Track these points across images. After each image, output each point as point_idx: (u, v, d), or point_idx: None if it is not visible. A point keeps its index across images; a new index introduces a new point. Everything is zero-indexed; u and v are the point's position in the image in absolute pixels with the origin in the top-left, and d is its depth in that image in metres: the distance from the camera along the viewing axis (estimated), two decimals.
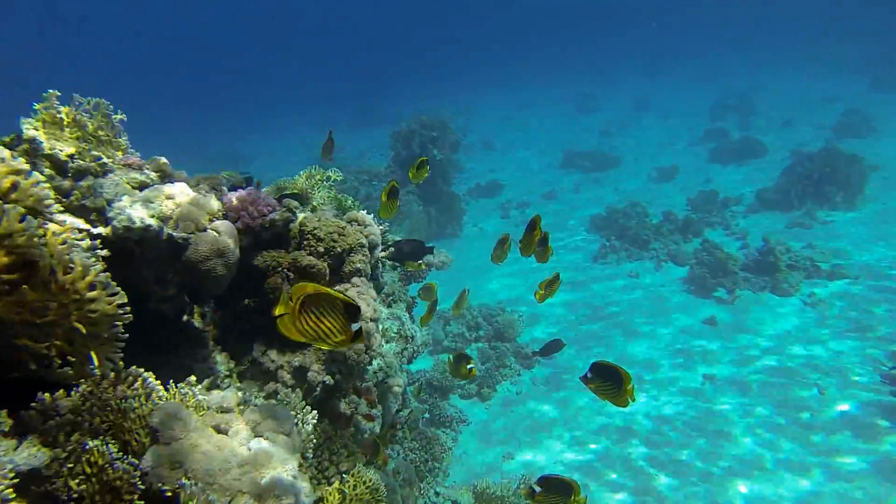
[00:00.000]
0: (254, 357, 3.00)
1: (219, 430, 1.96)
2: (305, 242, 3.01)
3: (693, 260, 10.14)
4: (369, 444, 4.10)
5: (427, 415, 7.02)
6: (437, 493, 5.07)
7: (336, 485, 2.85)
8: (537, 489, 2.50)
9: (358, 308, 1.72)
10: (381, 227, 3.65)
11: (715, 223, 11.75)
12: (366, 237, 3.20)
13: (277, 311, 1.89)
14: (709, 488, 5.35)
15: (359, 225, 3.31)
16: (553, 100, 30.02)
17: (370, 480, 2.90)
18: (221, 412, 2.02)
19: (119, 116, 2.61)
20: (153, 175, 2.44)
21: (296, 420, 2.44)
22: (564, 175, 17.85)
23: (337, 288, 3.06)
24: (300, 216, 3.08)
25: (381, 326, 3.45)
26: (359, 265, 3.07)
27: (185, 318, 2.71)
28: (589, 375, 2.63)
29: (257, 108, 37.51)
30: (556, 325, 9.19)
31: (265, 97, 40.61)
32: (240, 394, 2.16)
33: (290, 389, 2.89)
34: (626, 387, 2.58)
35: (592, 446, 6.18)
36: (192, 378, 2.43)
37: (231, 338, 3.07)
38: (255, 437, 2.01)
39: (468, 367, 3.85)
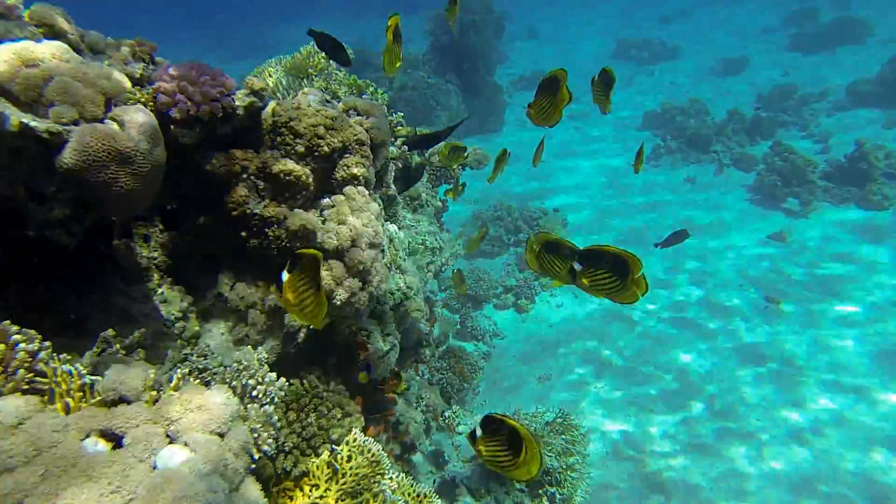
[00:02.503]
0: (219, 291, 2.29)
1: (107, 437, 1.27)
2: (279, 140, 2.19)
3: (762, 165, 8.90)
4: (389, 379, 3.51)
5: (458, 326, 6.46)
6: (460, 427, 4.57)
7: (325, 456, 2.24)
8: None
9: None
10: (393, 118, 2.76)
11: (789, 123, 10.25)
12: (366, 131, 2.34)
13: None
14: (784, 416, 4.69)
15: (358, 115, 2.44)
16: None
17: (369, 450, 2.27)
18: (112, 404, 1.33)
19: None
20: (33, 29, 1.61)
21: (253, 391, 1.75)
22: (616, 66, 16.02)
23: (324, 201, 2.26)
24: (272, 104, 2.22)
25: (387, 251, 2.68)
26: (355, 170, 2.25)
27: (115, 243, 1.99)
28: (578, 267, 1.79)
29: None
30: (600, 233, 8.30)
31: None
32: (151, 372, 1.45)
33: (261, 335, 2.21)
34: (634, 275, 1.73)
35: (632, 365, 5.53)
36: (110, 332, 1.74)
37: (192, 267, 2.35)
38: (171, 444, 1.32)
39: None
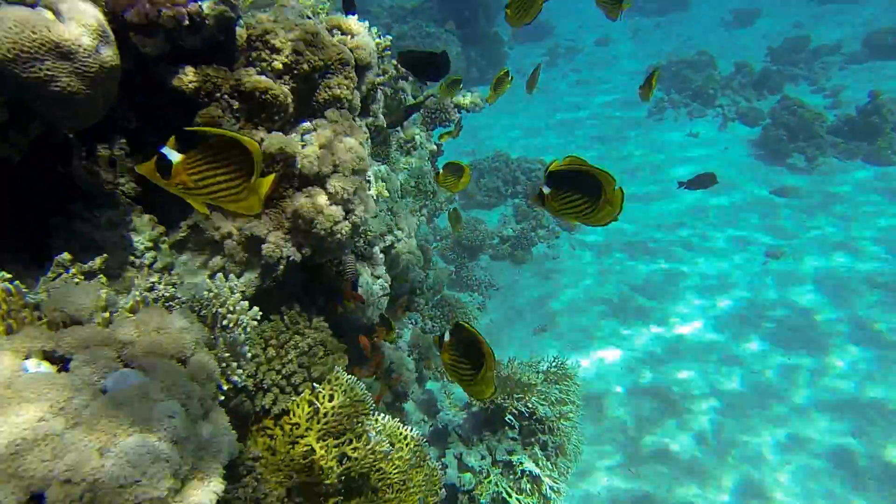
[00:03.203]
0: (195, 222, 2.15)
1: (51, 359, 1.15)
2: (254, 55, 2.00)
3: (768, 120, 8.65)
4: (380, 324, 3.41)
5: (454, 275, 6.36)
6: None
7: (306, 395, 2.14)
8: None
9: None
10: (380, 41, 2.56)
11: (799, 77, 9.94)
12: (351, 51, 2.15)
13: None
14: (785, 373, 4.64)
15: (343, 34, 2.24)
16: None
17: (352, 389, 2.17)
18: (61, 326, 1.20)
19: None
20: None
21: (223, 320, 1.63)
22: (621, 17, 15.48)
23: (304, 124, 2.09)
24: (247, 16, 2.02)
25: (374, 181, 2.53)
26: (338, 91, 2.07)
27: (76, 164, 1.83)
28: (547, 189, 1.61)
29: None
30: None
31: None
32: (103, 292, 1.32)
33: (239, 268, 2.08)
34: (608, 194, 1.57)
35: (629, 326, 5.47)
36: (65, 256, 1.61)
37: (166, 195, 2.20)
38: (125, 367, 1.20)
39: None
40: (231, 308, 1.65)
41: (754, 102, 9.63)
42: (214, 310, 1.67)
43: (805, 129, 7.63)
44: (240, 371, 1.53)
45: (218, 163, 1.18)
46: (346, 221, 2.03)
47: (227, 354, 1.52)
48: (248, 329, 1.64)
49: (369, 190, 2.27)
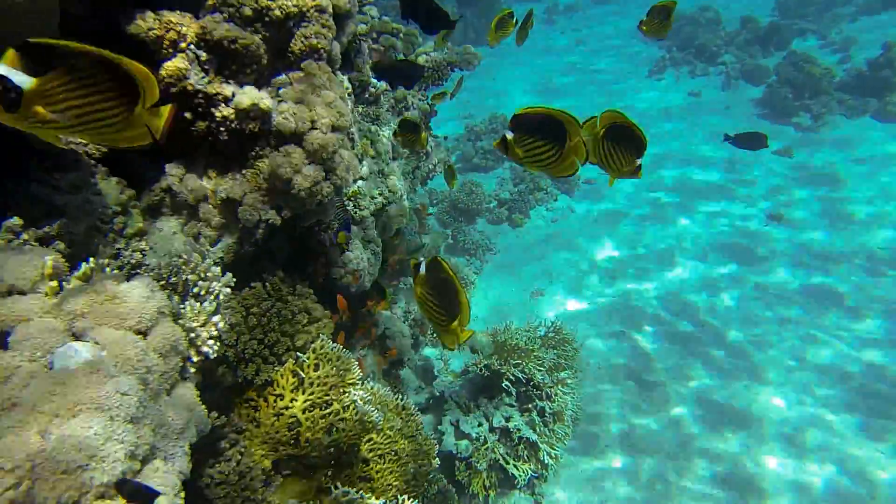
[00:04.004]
0: (168, 185, 2.02)
1: None
2: (221, 1, 1.83)
3: (773, 77, 8.39)
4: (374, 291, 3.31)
5: (450, 240, 6.25)
6: None
7: (289, 364, 2.05)
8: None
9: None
10: None
11: (808, 31, 9.59)
12: None
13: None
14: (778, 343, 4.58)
15: None
16: None
17: (337, 358, 2.08)
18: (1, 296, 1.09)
19: None
20: None
21: (194, 287, 1.52)
22: None
23: (279, 77, 1.94)
24: None
25: (357, 140, 2.38)
26: (314, 41, 1.91)
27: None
28: (510, 135, 1.49)
29: None
30: None
31: None
32: (49, 258, 1.20)
33: (216, 232, 1.95)
34: (572, 141, 1.46)
35: (630, 286, 5.38)
36: (16, 220, 1.48)
37: (136, 157, 2.06)
38: (75, 341, 1.09)
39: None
40: (202, 275, 1.53)
41: (759, 59, 9.33)
42: (185, 277, 1.55)
43: (812, 86, 7.40)
44: (211, 342, 1.42)
45: (87, 88, 0.96)
46: (328, 182, 1.90)
47: (196, 324, 1.41)
48: (221, 296, 1.53)
49: (353, 148, 2.13)
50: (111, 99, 0.97)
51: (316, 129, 1.86)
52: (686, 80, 9.61)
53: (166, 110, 1.07)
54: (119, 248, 1.69)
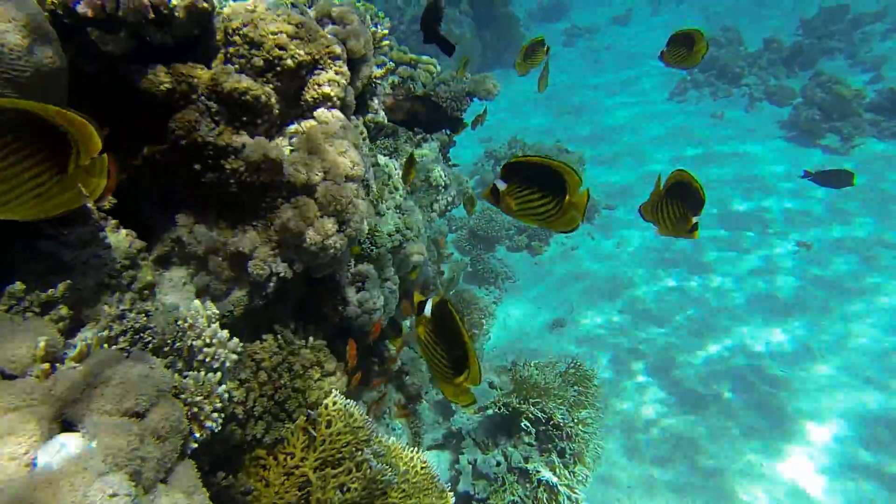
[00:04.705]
0: (177, 235, 1.97)
1: None
2: (232, 51, 1.80)
3: (799, 98, 8.20)
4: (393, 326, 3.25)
5: (469, 268, 6.16)
6: None
7: (301, 422, 1.97)
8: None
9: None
10: (376, 30, 2.33)
11: (836, 50, 9.38)
12: (342, 42, 1.93)
13: None
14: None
15: (334, 24, 2.02)
16: None
17: (350, 415, 1.99)
18: None
19: None
20: None
21: (199, 354, 1.45)
22: None
23: (290, 127, 1.89)
24: (225, 6, 1.81)
25: (373, 185, 2.32)
26: (328, 89, 1.86)
27: None
28: (502, 185, 1.39)
29: None
30: (619, 171, 7.80)
31: None
32: (42, 341, 1.15)
33: (225, 285, 1.90)
34: (572, 196, 1.36)
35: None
36: (18, 286, 1.43)
37: (147, 208, 2.03)
38: (65, 431, 1.03)
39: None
40: (208, 340, 1.47)
41: (784, 81, 9.15)
42: (189, 342, 1.49)
43: (841, 108, 7.21)
44: (215, 416, 1.35)
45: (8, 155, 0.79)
46: (341, 234, 1.84)
47: (199, 397, 1.34)
48: (227, 364, 1.46)
49: (369, 195, 2.06)
50: (39, 163, 0.82)
51: (329, 179, 1.80)
52: (707, 102, 9.46)
53: (103, 163, 0.93)
54: (124, 310, 1.63)
